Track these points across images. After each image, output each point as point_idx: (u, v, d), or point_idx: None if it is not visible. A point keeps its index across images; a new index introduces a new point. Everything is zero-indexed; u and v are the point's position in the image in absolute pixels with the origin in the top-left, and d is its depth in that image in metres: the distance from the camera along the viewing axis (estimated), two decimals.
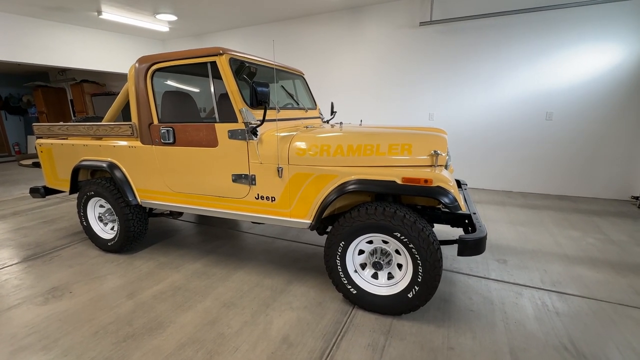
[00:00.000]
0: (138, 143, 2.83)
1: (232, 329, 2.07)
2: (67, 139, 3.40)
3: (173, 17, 5.98)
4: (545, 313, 2.18)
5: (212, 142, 2.49)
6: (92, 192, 3.09)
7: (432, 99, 5.52)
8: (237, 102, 2.35)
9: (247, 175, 2.44)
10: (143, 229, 3.18)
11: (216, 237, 3.62)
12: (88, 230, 3.27)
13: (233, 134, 2.40)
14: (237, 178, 2.47)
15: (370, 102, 5.98)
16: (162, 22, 6.29)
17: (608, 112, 4.55)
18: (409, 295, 2.05)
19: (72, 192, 3.29)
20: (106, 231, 3.28)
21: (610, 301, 2.30)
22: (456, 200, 1.90)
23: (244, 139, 2.37)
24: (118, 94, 8.97)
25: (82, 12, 5.65)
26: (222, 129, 2.43)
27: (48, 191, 3.61)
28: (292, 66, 3.21)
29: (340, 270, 2.20)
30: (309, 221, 2.31)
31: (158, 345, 1.94)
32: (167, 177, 2.76)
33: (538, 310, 2.21)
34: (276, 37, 6.60)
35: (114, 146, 2.95)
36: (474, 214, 2.27)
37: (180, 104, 2.89)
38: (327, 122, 3.65)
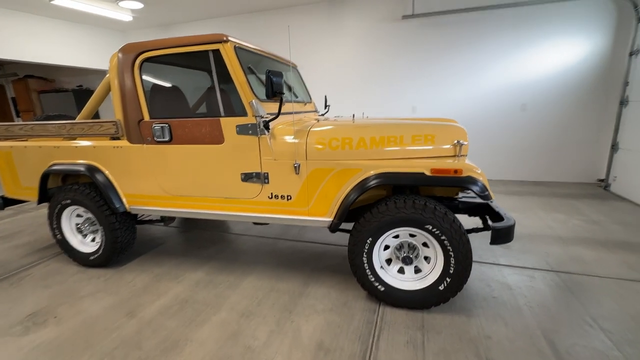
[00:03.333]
0: (125, 142, 2.51)
1: (259, 341, 1.90)
2: (27, 140, 2.95)
3: (139, 5, 5.46)
4: (560, 293, 2.27)
5: (217, 139, 2.27)
6: (69, 201, 2.71)
7: (415, 91, 5.61)
8: (247, 94, 2.15)
9: (258, 173, 2.26)
10: (131, 239, 2.86)
11: (211, 242, 3.37)
12: (63, 243, 2.87)
13: (242, 129, 2.20)
14: (248, 177, 2.28)
15: (353, 95, 5.94)
16: (125, 10, 5.72)
17: (575, 102, 4.92)
18: (440, 287, 2.02)
19: (40, 201, 2.86)
20: (86, 243, 2.90)
21: (611, 277, 2.46)
22: (487, 189, 1.90)
23: (255, 134, 2.19)
24: (69, 90, 8.08)
25: None
26: (228, 124, 2.22)
27: (7, 202, 3.12)
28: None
29: (367, 267, 2.12)
30: (330, 219, 2.19)
31: None
32: (163, 179, 2.48)
33: (553, 291, 2.30)
34: (252, 29, 6.30)
35: (94, 147, 2.60)
36: (492, 202, 2.30)
37: (172, 98, 2.61)
38: (323, 115, 3.53)
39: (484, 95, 5.29)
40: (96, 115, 6.81)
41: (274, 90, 1.95)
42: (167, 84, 2.65)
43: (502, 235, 1.90)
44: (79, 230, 2.88)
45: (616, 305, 2.13)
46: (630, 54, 4.43)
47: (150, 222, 3.08)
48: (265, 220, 2.36)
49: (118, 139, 2.62)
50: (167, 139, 2.36)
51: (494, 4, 4.84)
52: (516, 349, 1.78)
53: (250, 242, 3.32)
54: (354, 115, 2.76)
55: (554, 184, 5.14)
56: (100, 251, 2.75)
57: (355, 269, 2.16)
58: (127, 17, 6.04)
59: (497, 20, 4.96)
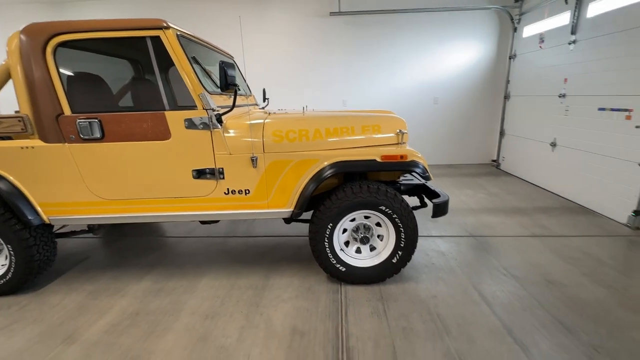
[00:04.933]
0: (37, 142, 2.11)
1: (231, 338, 1.87)
2: None
3: None
4: (479, 253, 2.78)
5: (162, 134, 2.09)
6: None
7: (345, 85, 5.93)
8: (196, 86, 2.03)
9: (212, 169, 2.16)
10: (51, 255, 2.43)
11: (150, 249, 3.07)
12: None
13: (192, 123, 2.07)
14: (200, 173, 2.16)
15: (284, 89, 5.97)
16: None
17: (474, 97, 5.88)
18: (393, 260, 2.27)
19: None
20: None
21: (512, 235, 3.10)
22: (427, 171, 2.20)
23: (207, 128, 2.09)
24: None
25: None
26: (175, 118, 2.07)
27: None
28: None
29: (328, 251, 2.25)
30: (291, 209, 2.25)
31: None
32: (95, 182, 2.17)
33: (474, 252, 2.79)
34: (168, 14, 5.75)
35: None
36: (427, 182, 2.66)
37: (98, 89, 2.28)
38: (264, 109, 3.51)
39: (404, 89, 5.91)
40: None
41: (228, 82, 1.90)
42: (89, 73, 2.30)
43: (441, 209, 2.24)
44: None
45: (518, 256, 2.71)
46: (510, 58, 5.49)
47: (74, 233, 2.66)
48: (222, 217, 2.28)
49: (10, 138, 2.18)
50: (97, 135, 2.07)
51: (411, 7, 5.41)
52: (456, 301, 2.14)
53: (198, 244, 3.14)
54: (303, 108, 2.83)
55: (462, 166, 6.09)
56: (9, 275, 2.28)
57: (318, 254, 2.27)
58: None
59: (411, 22, 5.56)
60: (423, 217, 3.57)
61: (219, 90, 2.17)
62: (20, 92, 2.06)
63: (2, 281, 2.29)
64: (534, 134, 4.85)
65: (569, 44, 4.06)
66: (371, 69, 5.82)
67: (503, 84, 5.67)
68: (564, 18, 4.18)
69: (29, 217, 2.18)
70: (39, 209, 2.22)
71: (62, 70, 2.07)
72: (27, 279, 2.30)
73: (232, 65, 1.92)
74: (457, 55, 5.68)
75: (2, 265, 2.34)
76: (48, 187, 2.18)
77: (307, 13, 5.58)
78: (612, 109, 3.43)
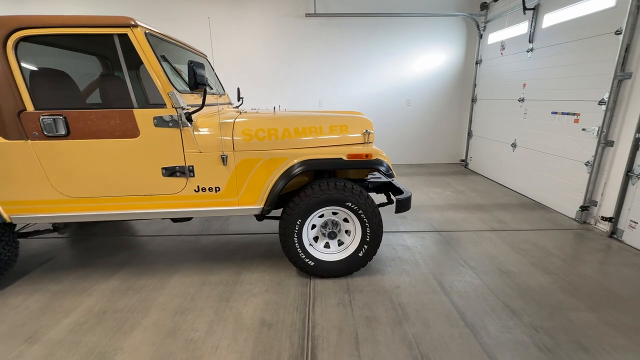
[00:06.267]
0: None
1: (200, 332, 1.91)
2: None
3: None
4: (442, 246, 2.96)
5: (131, 132, 2.09)
6: None
7: (320, 86, 6.04)
8: (165, 85, 2.05)
9: (182, 166, 2.19)
10: (13, 255, 2.37)
11: (119, 247, 3.03)
12: None
13: (160, 122, 2.09)
14: (170, 171, 2.19)
15: (261, 88, 5.99)
16: None
17: (444, 99, 6.16)
18: (359, 254, 2.39)
19: None
20: None
21: (472, 230, 3.31)
22: (390, 169, 2.33)
23: (176, 127, 2.11)
24: None
25: None
26: (144, 116, 2.08)
27: None
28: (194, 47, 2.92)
29: (297, 247, 2.33)
30: (261, 206, 2.31)
31: None
32: (60, 180, 2.14)
33: (437, 246, 2.97)
34: (139, 11, 5.63)
35: None
36: (393, 180, 2.80)
37: (62, 85, 2.25)
38: (237, 108, 3.54)
39: (378, 91, 6.09)
40: None
41: (197, 81, 1.93)
42: (53, 69, 2.26)
43: (403, 205, 2.38)
44: None
45: (476, 249, 2.91)
46: (476, 63, 5.80)
47: (37, 232, 2.59)
48: (192, 214, 2.31)
49: None
50: (62, 132, 2.05)
51: (384, 12, 5.58)
52: (418, 291, 2.29)
53: (169, 242, 3.13)
54: (274, 107, 2.90)
55: (432, 165, 6.35)
56: None
57: (287, 250, 2.35)
58: None
59: (385, 26, 5.75)
60: (392, 214, 3.73)
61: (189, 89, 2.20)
62: None
63: None
64: (497, 135, 5.16)
65: (527, 51, 4.37)
66: (346, 70, 5.95)
67: (471, 88, 5.97)
68: (522, 27, 4.48)
69: None
70: (0, 208, 2.17)
71: (25, 66, 2.03)
72: None
73: (202, 65, 1.96)
74: (429, 58, 5.92)
75: None
76: (9, 185, 2.13)
77: (283, 14, 5.64)
78: (563, 113, 3.73)
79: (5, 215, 2.18)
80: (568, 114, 3.66)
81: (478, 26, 5.63)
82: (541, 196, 4.11)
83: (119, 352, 1.77)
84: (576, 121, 3.55)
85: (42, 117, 2.01)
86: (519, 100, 4.55)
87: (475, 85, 5.87)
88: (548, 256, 2.76)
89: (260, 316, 2.04)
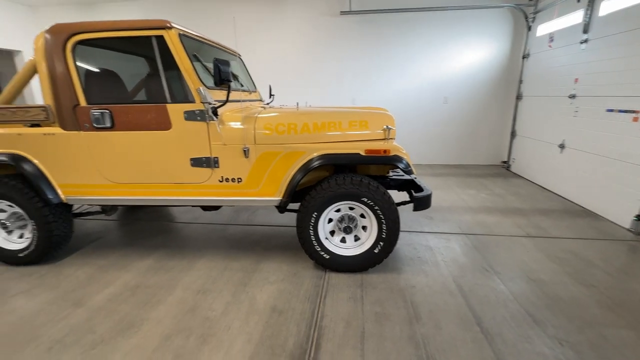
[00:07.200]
0: (57, 129, 2.38)
1: (216, 312, 2.05)
2: None
3: None
4: (467, 249, 2.82)
5: (164, 125, 2.30)
6: None
7: (354, 83, 6.02)
8: (194, 82, 2.22)
9: (208, 158, 2.35)
10: (68, 232, 2.72)
11: (157, 232, 3.33)
12: None
13: (190, 115, 2.27)
14: (197, 162, 2.36)
15: (297, 86, 6.13)
16: None
17: (485, 96, 5.80)
18: (375, 251, 2.38)
19: None
20: (12, 240, 2.67)
21: (505, 235, 3.11)
22: (409, 166, 2.28)
23: (204, 120, 2.27)
24: None
25: None
26: (176, 110, 2.27)
27: None
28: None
29: (313, 239, 2.39)
30: (279, 198, 2.40)
31: (138, 344, 1.80)
32: (105, 167, 2.42)
33: (463, 248, 2.84)
34: (185, 15, 6.06)
35: (20, 134, 2.41)
36: (415, 178, 2.73)
37: (110, 83, 2.53)
38: (268, 104, 3.68)
39: (414, 88, 5.92)
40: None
41: (222, 78, 2.07)
42: (104, 69, 2.55)
43: (422, 203, 2.32)
44: (3, 226, 2.64)
45: (505, 254, 2.73)
46: (523, 57, 5.38)
47: (89, 214, 2.94)
48: (216, 202, 2.47)
49: (39, 125, 2.45)
50: (108, 125, 2.31)
51: (423, 6, 5.41)
52: (433, 292, 2.22)
53: (200, 229, 3.36)
54: (297, 103, 2.98)
55: (470, 166, 6.02)
56: (32, 247, 2.57)
57: (303, 242, 2.41)
58: None
59: (423, 21, 5.56)
60: (418, 214, 3.63)
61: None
62: (44, 84, 2.33)
63: (26, 252, 2.59)
64: (544, 135, 4.75)
65: (581, 43, 3.96)
66: (381, 67, 5.87)
67: (516, 84, 5.56)
68: (576, 17, 4.07)
69: (49, 196, 2.46)
70: (58, 189, 2.50)
71: (80, 65, 2.33)
72: (46, 252, 2.59)
73: (227, 62, 2.09)
74: (469, 54, 5.62)
75: (27, 238, 2.65)
76: (66, 170, 2.45)
77: (318, 12, 5.71)
78: (620, 110, 3.34)
79: (62, 196, 2.52)
80: (625, 111, 3.26)
81: (526, 17, 5.21)
82: (590, 202, 3.71)
83: (145, 322, 1.96)
84: (635, 119, 3.15)
85: (92, 111, 2.29)
86: (570, 97, 4.14)
87: (521, 82, 5.45)
88: (589, 267, 2.51)
89: (273, 303, 2.13)
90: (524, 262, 2.60)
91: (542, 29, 4.90)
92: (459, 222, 3.41)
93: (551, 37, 4.53)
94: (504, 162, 5.95)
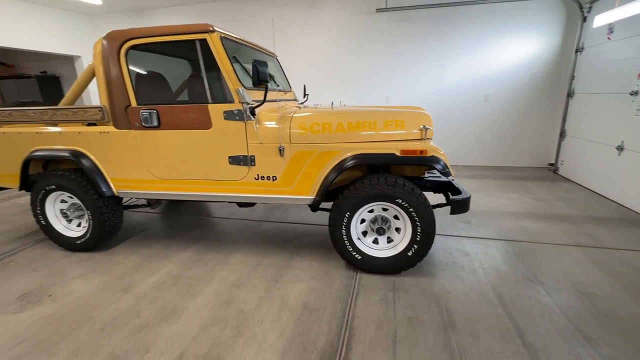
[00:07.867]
0: (111, 128, 2.59)
1: (250, 305, 2.12)
2: (2, 126, 2.92)
3: None
4: (508, 257, 2.66)
5: (205, 124, 2.41)
6: (53, 186, 2.74)
7: (388, 82, 5.91)
8: (234, 82, 2.31)
9: (245, 156, 2.43)
10: (119, 222, 2.95)
11: (197, 225, 3.50)
12: (48, 229, 2.90)
13: (229, 115, 2.36)
14: (235, 160, 2.45)
15: (331, 85, 6.14)
16: None
17: (530, 94, 5.43)
18: (408, 254, 2.32)
19: (22, 187, 2.87)
20: (71, 229, 2.95)
21: (551, 243, 2.89)
22: (447, 167, 2.20)
23: (242, 120, 2.35)
24: (32, 76, 7.65)
25: None
26: (216, 110, 2.37)
27: None
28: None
29: (345, 239, 2.38)
30: (312, 197, 2.42)
31: (179, 330, 1.91)
32: (151, 163, 2.59)
33: (503, 256, 2.68)
34: (227, 17, 6.29)
35: (80, 132, 2.65)
36: (453, 180, 2.63)
37: (158, 85, 2.70)
38: (302, 104, 3.72)
39: (451, 86, 5.69)
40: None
41: (260, 78, 2.12)
42: (152, 71, 2.73)
43: (460, 206, 2.22)
44: (64, 216, 2.92)
45: (552, 264, 2.54)
46: (576, 51, 4.95)
47: (136, 206, 3.16)
48: (252, 199, 2.55)
49: (94, 124, 2.67)
50: (155, 124, 2.47)
51: (462, 0, 5.18)
52: (470, 300, 2.12)
53: (235, 225, 3.49)
54: (332, 103, 2.98)
55: (512, 168, 5.67)
56: (88, 235, 2.82)
57: (335, 241, 2.41)
58: (97, 1, 5.82)
59: (463, 16, 5.32)
60: (454, 218, 3.49)
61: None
62: (101, 87, 2.54)
63: (83, 239, 2.85)
64: (598, 135, 4.35)
65: None
66: (416, 65, 5.70)
67: (566, 81, 5.13)
68: None
69: (103, 189, 2.68)
70: (111, 183, 2.72)
71: (132, 69, 2.51)
72: (100, 239, 2.83)
73: (265, 63, 2.14)
74: (514, 49, 5.29)
75: (84, 227, 2.92)
76: (117, 165, 2.66)
77: (354, 10, 5.67)
78: None
79: (114, 190, 2.73)
80: None
81: (581, 7, 4.79)
82: None
83: (184, 311, 2.08)
84: None
85: (141, 111, 2.46)
86: (631, 94, 3.75)
87: (573, 77, 5.02)
88: None
89: (305, 300, 2.16)
90: (573, 273, 2.40)
91: (600, 20, 4.47)
92: (498, 228, 3.23)
93: (611, 29, 4.13)
94: (551, 164, 5.53)
